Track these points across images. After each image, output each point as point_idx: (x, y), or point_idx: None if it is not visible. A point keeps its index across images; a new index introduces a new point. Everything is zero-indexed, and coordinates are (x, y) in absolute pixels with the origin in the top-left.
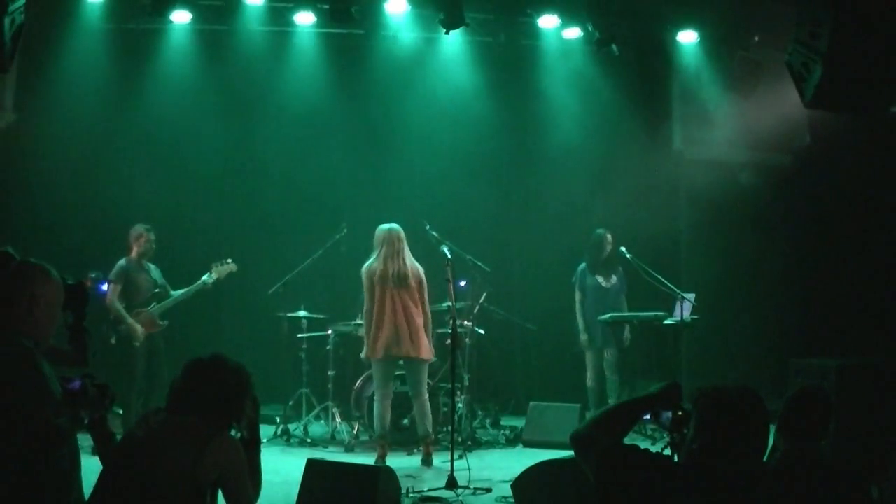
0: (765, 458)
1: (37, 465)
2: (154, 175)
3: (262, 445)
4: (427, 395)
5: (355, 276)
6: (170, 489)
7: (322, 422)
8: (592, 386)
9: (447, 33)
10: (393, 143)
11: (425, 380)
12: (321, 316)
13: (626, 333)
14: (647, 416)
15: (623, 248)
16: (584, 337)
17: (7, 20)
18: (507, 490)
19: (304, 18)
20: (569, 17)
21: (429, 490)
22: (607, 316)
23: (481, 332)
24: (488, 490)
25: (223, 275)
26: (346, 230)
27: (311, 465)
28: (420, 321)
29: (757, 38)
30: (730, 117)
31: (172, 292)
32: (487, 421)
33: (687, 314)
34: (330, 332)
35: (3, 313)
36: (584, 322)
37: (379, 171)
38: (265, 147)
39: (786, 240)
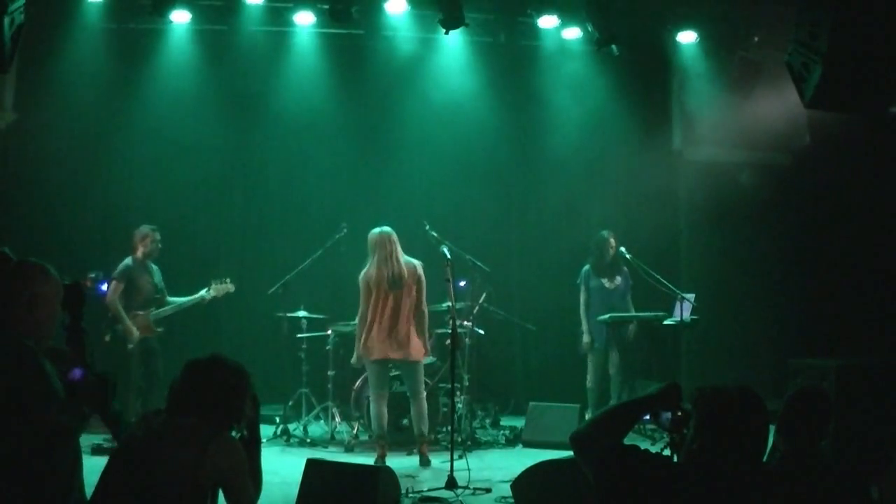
0: (765, 459)
1: (41, 464)
2: (154, 175)
3: (262, 445)
4: (424, 396)
5: (355, 277)
6: (170, 490)
7: (322, 422)
8: (592, 387)
9: (447, 33)
10: (392, 142)
11: (422, 380)
12: (321, 316)
13: (632, 327)
14: (647, 417)
15: (623, 249)
16: (586, 338)
17: (7, 20)
18: (506, 490)
19: (304, 18)
20: (568, 18)
21: (428, 490)
22: (606, 316)
23: (481, 332)
24: (488, 490)
25: (221, 294)
26: (345, 230)
27: (311, 465)
28: (412, 323)
29: (756, 39)
30: (729, 117)
31: (170, 298)
32: (487, 421)
33: (687, 314)
34: (330, 332)
35: (3, 313)
36: (587, 323)
37: (378, 171)
38: (265, 147)
39: (785, 240)
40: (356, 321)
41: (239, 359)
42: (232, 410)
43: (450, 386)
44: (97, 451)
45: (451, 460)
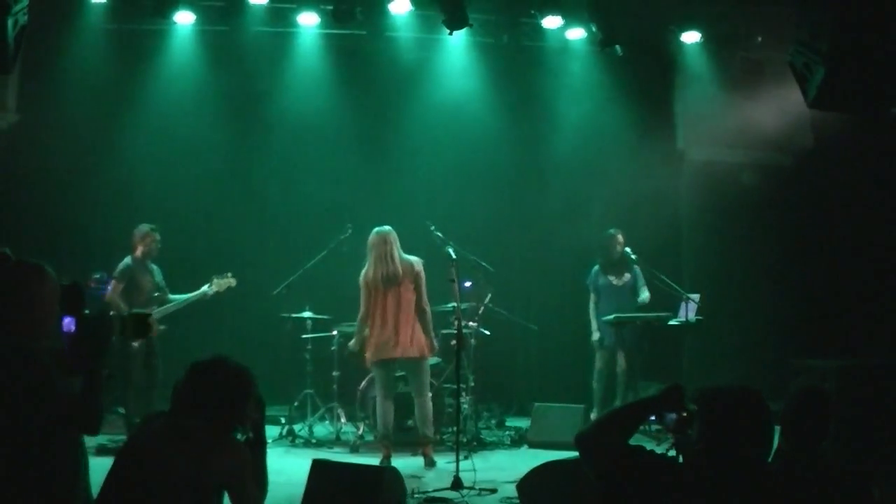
0: (770, 460)
1: (45, 464)
2: (157, 176)
3: (267, 446)
4: (429, 396)
5: (359, 278)
6: (175, 493)
7: (327, 422)
8: (597, 387)
9: (451, 34)
10: (396, 142)
11: (427, 378)
12: (326, 317)
13: (636, 325)
14: (652, 418)
15: (628, 249)
16: (595, 336)
17: (10, 21)
18: (512, 491)
19: (308, 19)
20: (572, 18)
21: (434, 491)
22: (611, 316)
23: (486, 332)
24: (493, 490)
25: (223, 288)
26: (350, 231)
27: (316, 465)
28: (414, 321)
29: (759, 39)
30: (732, 118)
31: (171, 296)
32: (492, 421)
33: (692, 315)
34: (335, 332)
35: (4, 314)
36: (596, 322)
37: (383, 172)
38: (269, 147)
39: (787, 241)
40: (357, 321)
41: (243, 360)
42: (236, 412)
43: (455, 386)
44: (102, 451)
45: (457, 461)
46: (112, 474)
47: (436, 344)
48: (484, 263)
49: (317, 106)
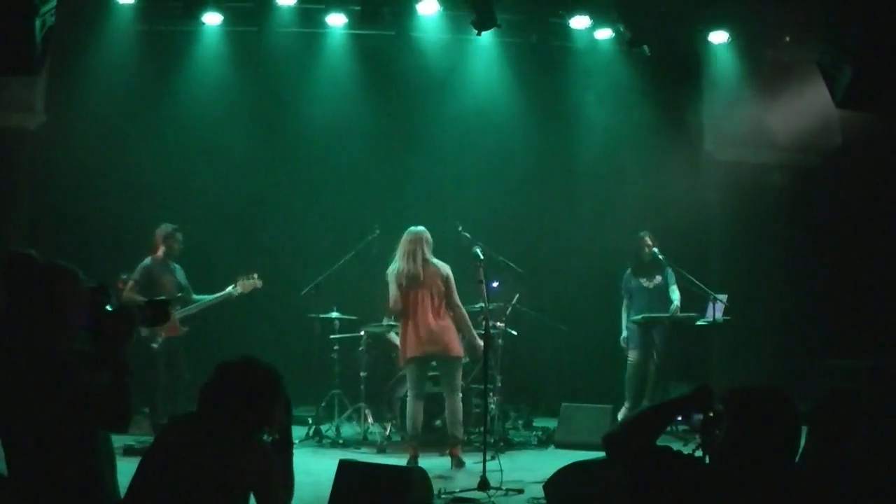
0: (796, 460)
1: (71, 465)
2: (184, 176)
3: (293, 448)
4: (460, 396)
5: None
6: (201, 495)
7: (354, 423)
8: (628, 387)
9: (479, 34)
10: (424, 143)
11: (458, 378)
12: (353, 317)
13: (664, 326)
14: (679, 418)
15: (656, 250)
16: (623, 335)
17: (38, 22)
18: (538, 491)
19: (336, 20)
20: (600, 18)
21: (461, 491)
22: (639, 317)
23: (514, 333)
24: (520, 491)
25: (248, 289)
26: (378, 232)
27: (343, 466)
28: (446, 320)
29: (788, 39)
30: (760, 118)
31: (195, 296)
32: (519, 422)
33: (719, 315)
34: (362, 333)
35: (30, 316)
36: (625, 323)
37: (411, 172)
38: (297, 147)
39: (816, 241)
40: (387, 319)
41: (271, 360)
42: (264, 414)
43: (482, 387)
44: (129, 452)
45: (484, 461)
46: (138, 475)
47: (479, 342)
48: (512, 264)
49: (344, 106)
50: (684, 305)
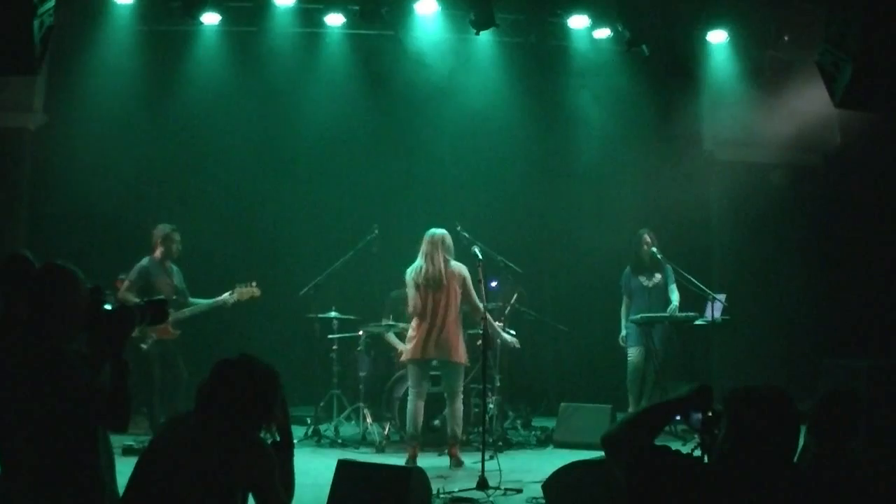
0: (795, 459)
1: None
2: (183, 176)
3: (294, 448)
4: (461, 399)
5: (386, 278)
6: (199, 495)
7: (353, 423)
8: (630, 386)
9: (477, 34)
10: (424, 143)
11: (460, 384)
12: (352, 317)
13: (663, 326)
14: (678, 418)
15: (654, 249)
16: (622, 333)
17: (36, 22)
18: (538, 491)
19: (334, 20)
20: (599, 18)
21: (459, 491)
22: (638, 317)
23: (512, 332)
24: (519, 491)
25: (244, 297)
26: (377, 232)
27: (342, 465)
28: (457, 325)
29: (787, 38)
30: (760, 118)
31: (191, 300)
32: (518, 422)
33: (718, 314)
34: (361, 333)
35: (33, 317)
36: (624, 322)
37: (410, 172)
38: (295, 147)
39: (816, 240)
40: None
41: (270, 359)
42: (262, 413)
43: (481, 386)
44: (128, 452)
45: (483, 461)
46: (136, 474)
47: (507, 337)
48: (511, 264)
49: (343, 105)
50: (684, 305)
